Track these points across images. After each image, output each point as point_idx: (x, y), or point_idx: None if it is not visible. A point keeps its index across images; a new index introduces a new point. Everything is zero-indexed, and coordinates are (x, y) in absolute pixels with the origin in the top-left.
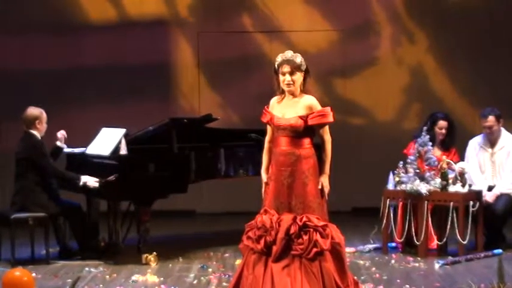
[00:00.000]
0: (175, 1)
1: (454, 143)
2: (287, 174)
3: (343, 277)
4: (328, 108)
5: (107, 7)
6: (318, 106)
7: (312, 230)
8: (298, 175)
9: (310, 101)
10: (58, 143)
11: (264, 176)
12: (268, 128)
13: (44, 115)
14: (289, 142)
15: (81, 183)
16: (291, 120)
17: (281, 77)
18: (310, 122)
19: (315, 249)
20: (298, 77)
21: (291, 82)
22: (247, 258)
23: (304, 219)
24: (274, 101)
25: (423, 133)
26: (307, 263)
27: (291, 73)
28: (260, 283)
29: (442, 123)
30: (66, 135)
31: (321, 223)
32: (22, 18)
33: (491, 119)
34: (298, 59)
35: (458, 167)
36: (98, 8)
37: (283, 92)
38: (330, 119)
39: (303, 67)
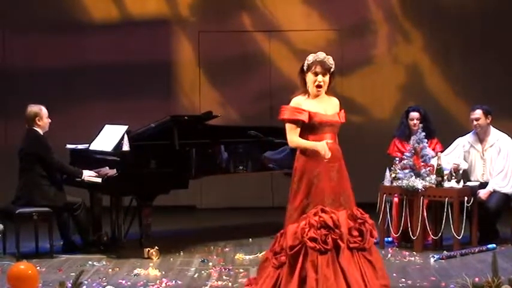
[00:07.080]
0: (177, 1)
1: (433, 133)
2: (336, 170)
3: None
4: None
5: (109, 7)
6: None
7: (365, 222)
8: (342, 170)
9: (337, 101)
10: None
11: (317, 143)
12: (293, 127)
13: (44, 111)
14: (332, 138)
15: (82, 177)
16: (335, 117)
17: (312, 77)
18: (342, 120)
19: (371, 239)
20: (327, 78)
21: (322, 83)
22: (309, 260)
23: (355, 212)
24: (301, 99)
25: (405, 128)
26: (364, 253)
27: (323, 74)
28: (332, 281)
29: (413, 114)
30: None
31: (366, 215)
32: (26, 18)
33: (478, 111)
34: (331, 60)
35: (453, 163)
36: (100, 8)
37: (306, 91)
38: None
39: (332, 69)
